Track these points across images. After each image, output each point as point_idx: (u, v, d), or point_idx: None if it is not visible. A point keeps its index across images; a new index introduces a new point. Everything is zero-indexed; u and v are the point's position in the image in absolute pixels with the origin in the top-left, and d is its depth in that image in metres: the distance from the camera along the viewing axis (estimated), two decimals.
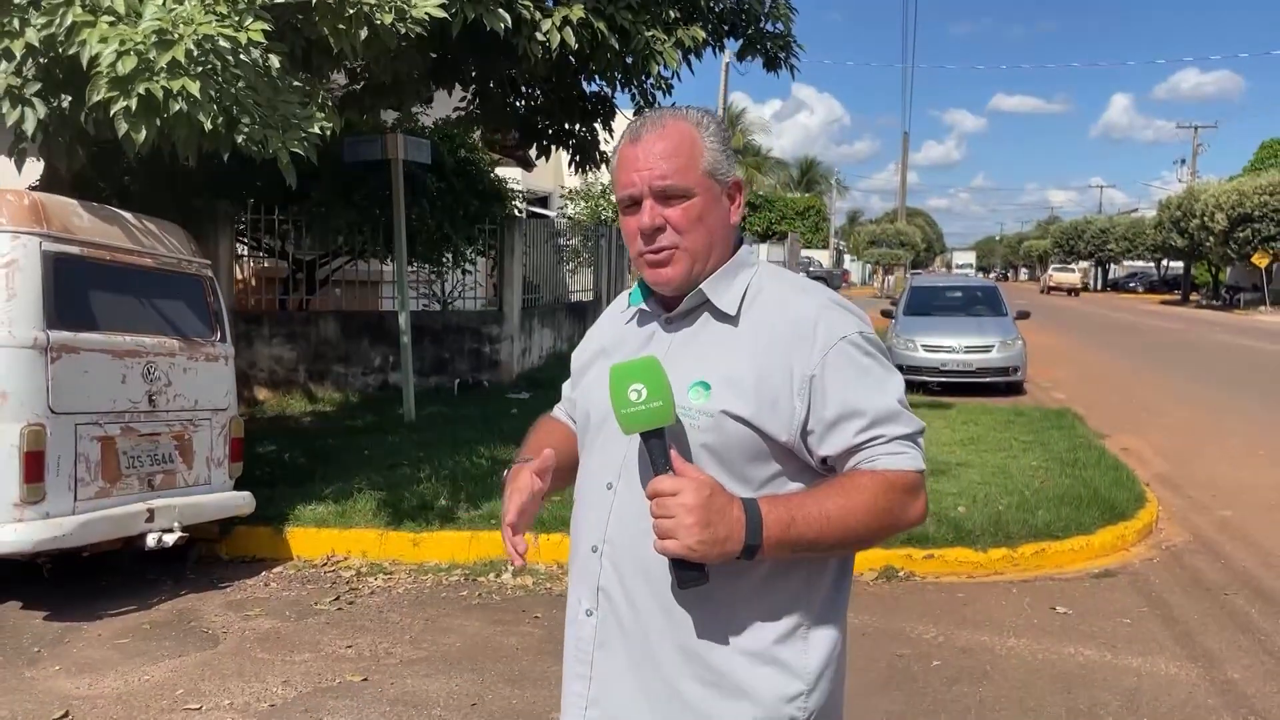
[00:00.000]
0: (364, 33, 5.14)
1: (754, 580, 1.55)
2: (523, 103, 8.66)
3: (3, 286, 4.94)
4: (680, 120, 1.64)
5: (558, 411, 1.96)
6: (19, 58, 4.75)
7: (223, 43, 4.61)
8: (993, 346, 13.18)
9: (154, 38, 4.50)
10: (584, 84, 8.47)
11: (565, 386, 1.91)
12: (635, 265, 1.68)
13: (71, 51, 4.72)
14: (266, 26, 4.73)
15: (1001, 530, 5.85)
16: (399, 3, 5.05)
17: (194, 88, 4.53)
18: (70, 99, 5.37)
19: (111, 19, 4.70)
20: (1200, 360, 18.79)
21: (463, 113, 9.42)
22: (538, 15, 6.11)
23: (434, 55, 6.69)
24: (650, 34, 6.55)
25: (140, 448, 5.54)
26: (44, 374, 5.00)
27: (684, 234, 1.60)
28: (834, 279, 44.15)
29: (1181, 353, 20.40)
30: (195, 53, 4.56)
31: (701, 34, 6.70)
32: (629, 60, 6.62)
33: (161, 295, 5.89)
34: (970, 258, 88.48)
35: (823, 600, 1.61)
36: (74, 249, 5.27)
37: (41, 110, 5.21)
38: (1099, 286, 69.59)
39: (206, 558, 6.38)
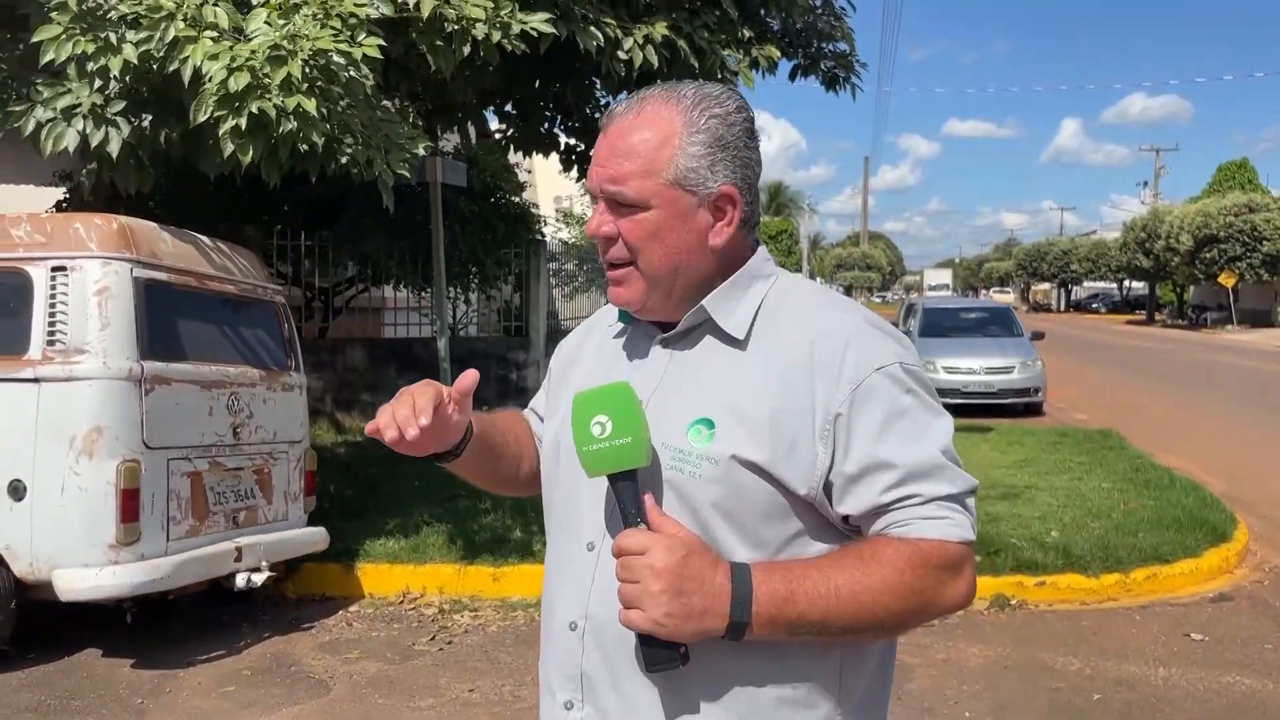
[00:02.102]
0: (466, 49, 4.96)
1: (770, 666, 1.25)
2: (569, 123, 8.51)
3: (95, 315, 4.68)
4: (665, 105, 1.29)
5: (526, 412, 1.64)
6: (116, 75, 4.50)
7: (337, 58, 4.41)
8: (1013, 368, 13.20)
9: (268, 52, 4.29)
10: None
11: (539, 393, 1.60)
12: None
13: (172, 68, 4.50)
14: (381, 42, 4.53)
15: (1111, 555, 5.75)
16: (504, 18, 4.88)
17: (309, 105, 4.33)
18: (150, 118, 5.14)
19: (214, 34, 4.48)
20: (1198, 379, 18.99)
21: (502, 135, 9.26)
22: (619, 34, 5.98)
23: (508, 74, 6.53)
24: (726, 53, 6.44)
25: (225, 483, 5.28)
26: (138, 407, 4.73)
27: (635, 251, 1.30)
28: None
29: (1175, 371, 20.62)
30: (308, 69, 4.36)
31: (776, 52, 6.60)
32: (701, 79, 6.51)
33: (241, 323, 5.65)
34: (946, 277, 76.09)
35: (862, 696, 1.31)
36: (161, 275, 5.01)
37: (125, 130, 4.97)
38: (1061, 307, 70.60)
39: (273, 597, 6.10)
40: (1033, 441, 9.95)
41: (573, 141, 8.79)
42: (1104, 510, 6.77)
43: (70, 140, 4.90)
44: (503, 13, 4.85)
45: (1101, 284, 71.10)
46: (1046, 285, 73.21)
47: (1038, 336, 14.35)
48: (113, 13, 4.49)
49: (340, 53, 4.37)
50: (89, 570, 4.55)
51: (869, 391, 1.24)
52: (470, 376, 1.37)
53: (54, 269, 4.72)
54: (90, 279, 4.70)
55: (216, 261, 5.51)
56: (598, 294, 16.46)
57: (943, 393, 13.04)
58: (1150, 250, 45.83)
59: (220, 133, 4.39)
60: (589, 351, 1.46)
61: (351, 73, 4.46)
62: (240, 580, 5.22)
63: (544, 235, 13.32)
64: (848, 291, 59.62)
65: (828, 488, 1.24)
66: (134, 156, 5.23)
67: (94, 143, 4.88)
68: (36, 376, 4.62)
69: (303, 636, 5.41)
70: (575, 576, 1.33)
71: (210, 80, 4.31)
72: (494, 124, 9.37)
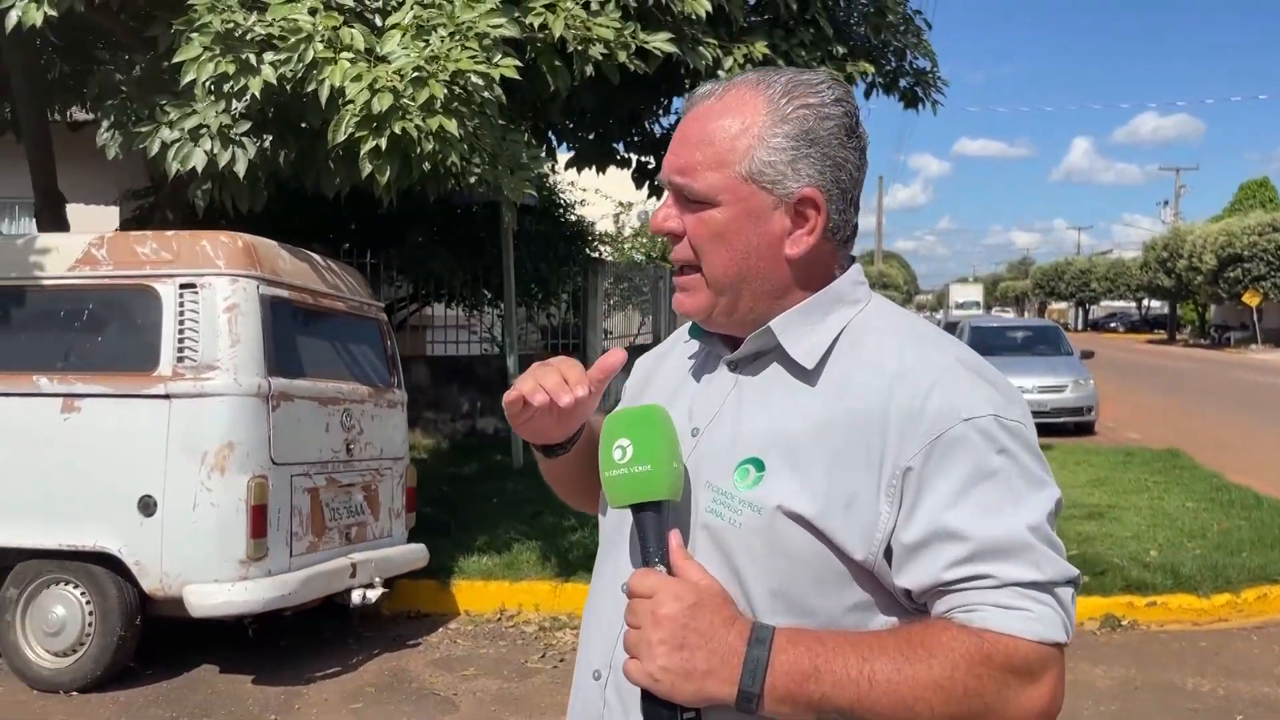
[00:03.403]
0: (589, 69, 5.00)
1: None
2: (640, 139, 8.55)
3: (225, 332, 4.71)
4: (751, 90, 1.14)
5: None
6: (256, 95, 4.55)
7: (475, 79, 4.45)
8: (1066, 386, 13.17)
9: (411, 74, 4.34)
10: None
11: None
12: None
13: (309, 89, 4.55)
14: (517, 63, 4.58)
15: (1220, 575, 5.72)
16: (628, 37, 4.92)
17: (451, 126, 4.37)
18: (270, 139, 5.19)
19: (351, 56, 4.53)
20: (1241, 398, 18.87)
21: (573, 151, 9.31)
22: (719, 53, 6.03)
23: (604, 94, 6.58)
24: (822, 70, 6.47)
25: (339, 499, 5.30)
26: (266, 423, 4.76)
27: (700, 252, 1.14)
28: None
29: (1215, 390, 20.52)
30: (449, 90, 4.41)
31: (870, 67, 6.65)
32: None
33: (350, 340, 5.68)
34: (975, 293, 67.34)
35: None
36: (283, 292, 5.05)
37: (251, 150, 5.02)
38: (1079, 326, 70.42)
39: (369, 613, 6.10)
40: (1099, 460, 9.92)
41: (644, 158, 8.84)
42: (1197, 530, 6.75)
43: (198, 160, 4.95)
44: (626, 32, 4.90)
45: (1119, 303, 70.90)
46: (1063, 304, 73.03)
47: (1087, 355, 14.33)
48: (250, 34, 4.54)
49: (479, 74, 4.41)
50: (220, 586, 4.57)
51: (951, 445, 1.04)
52: (617, 355, 1.22)
53: (182, 286, 4.76)
54: (219, 296, 4.74)
55: (328, 279, 5.55)
56: (635, 311, 16.48)
57: None
58: (1172, 269, 45.70)
59: (361, 153, 4.43)
60: (665, 369, 1.31)
61: (486, 94, 4.50)
62: (356, 597, 5.23)
63: (601, 252, 13.38)
64: None
65: (889, 554, 1.06)
66: (252, 176, 5.28)
67: (221, 163, 4.93)
68: (168, 393, 4.65)
69: (412, 653, 5.41)
70: (607, 620, 1.18)
71: (353, 101, 4.35)
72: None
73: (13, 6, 4.71)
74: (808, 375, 1.13)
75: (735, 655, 1.02)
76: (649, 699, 1.05)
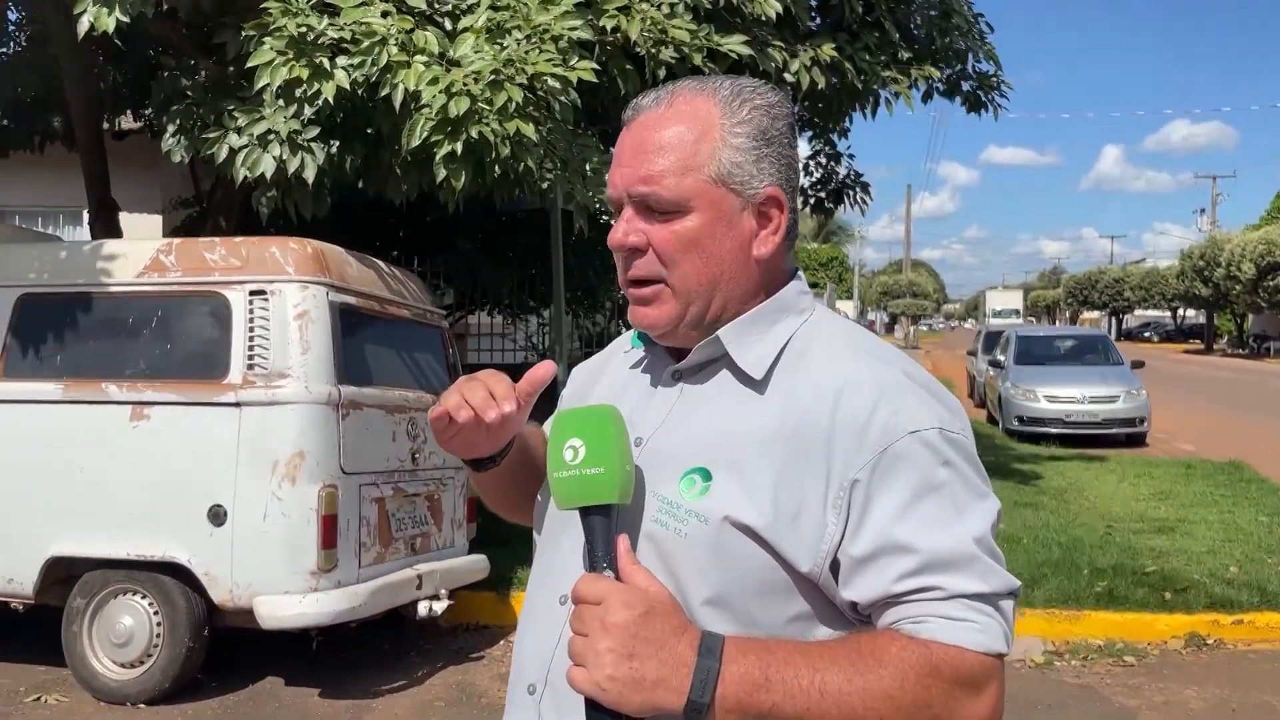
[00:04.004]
0: (661, 73, 4.91)
1: None
2: None
3: (296, 339, 4.65)
4: (698, 95, 1.12)
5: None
6: (330, 100, 4.49)
7: (552, 82, 4.37)
8: (1118, 397, 12.94)
9: (488, 76, 4.26)
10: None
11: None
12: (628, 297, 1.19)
13: (383, 93, 4.49)
14: (594, 65, 4.50)
15: None
16: (702, 40, 4.83)
17: (529, 130, 4.29)
18: (337, 144, 5.14)
19: (425, 60, 4.47)
20: None
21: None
22: (786, 56, 5.92)
23: None
24: (887, 74, 6.36)
25: (404, 509, 5.22)
26: (336, 432, 4.69)
27: (670, 264, 1.11)
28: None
29: (1264, 401, 20.13)
30: (527, 94, 4.33)
31: (935, 72, 6.53)
32: (864, 100, 6.45)
33: (414, 347, 5.62)
34: (1014, 301, 62.70)
35: None
36: (351, 299, 4.99)
37: (320, 156, 4.97)
38: (1114, 336, 69.65)
39: (427, 625, 6.02)
40: (1160, 473, 9.71)
41: None
42: (1274, 545, 6.56)
43: (267, 166, 4.91)
44: (700, 34, 4.81)
45: (1153, 312, 70.10)
46: (1096, 314, 72.31)
47: (1138, 365, 14.07)
48: (322, 38, 4.48)
49: (556, 76, 4.33)
50: (291, 598, 4.49)
51: (897, 458, 1.04)
52: (546, 367, 1.19)
53: (252, 292, 4.70)
54: (290, 303, 4.67)
55: (392, 286, 5.49)
56: None
57: (1044, 422, 12.82)
58: (1209, 278, 45.10)
59: (437, 158, 4.36)
60: (605, 378, 1.29)
61: (563, 97, 4.42)
62: (422, 609, 5.16)
63: None
64: (893, 320, 59.13)
65: (835, 567, 1.05)
66: (318, 182, 5.24)
67: (291, 169, 4.88)
68: (238, 401, 4.59)
69: (477, 667, 5.32)
70: (543, 632, 1.15)
71: (429, 105, 4.28)
72: None
73: (84, 12, 4.68)
74: (755, 385, 1.12)
75: (685, 665, 0.99)
76: (594, 708, 1.01)
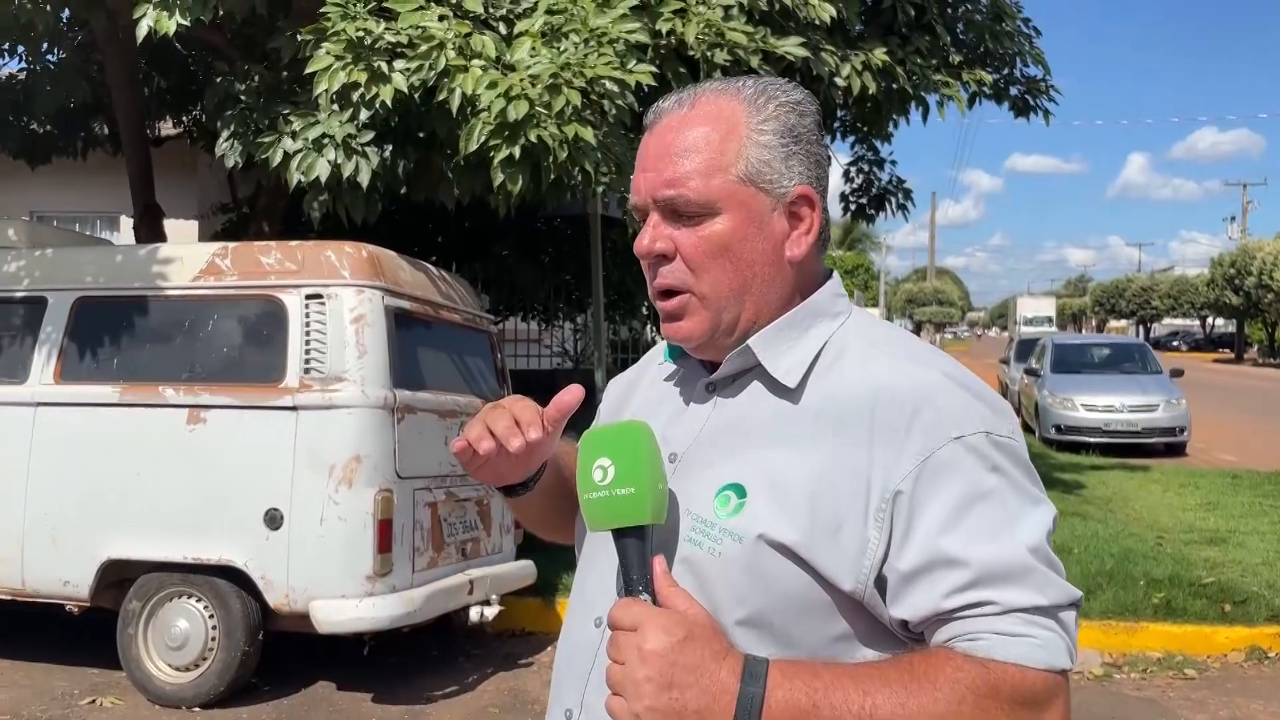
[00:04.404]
0: (716, 75, 4.89)
1: None
2: None
3: (353, 343, 4.65)
4: (722, 96, 1.09)
5: None
6: (388, 104, 4.49)
7: (611, 86, 4.35)
8: (1158, 406, 12.79)
9: (548, 80, 4.25)
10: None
11: None
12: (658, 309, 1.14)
13: (440, 97, 4.48)
14: (652, 69, 4.48)
15: None
16: (759, 42, 4.80)
17: (587, 134, 4.27)
18: (390, 148, 5.14)
19: (483, 63, 4.46)
20: None
21: None
22: (837, 60, 5.88)
23: None
24: (938, 78, 6.31)
25: (455, 514, 5.21)
26: (392, 436, 4.68)
27: (699, 271, 1.07)
28: None
29: None
30: (586, 98, 4.32)
31: (987, 77, 6.47)
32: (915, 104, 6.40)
33: (464, 351, 5.61)
34: (1048, 308, 59.03)
35: None
36: (404, 303, 4.98)
37: (375, 160, 4.97)
38: None
39: (473, 631, 6.00)
40: (1205, 483, 9.58)
41: None
42: None
43: (321, 170, 4.92)
44: (757, 37, 4.78)
45: (1182, 321, 69.38)
46: (1123, 322, 71.68)
47: (1177, 374, 13.90)
48: (380, 42, 4.49)
49: (615, 80, 4.31)
50: (348, 602, 4.48)
51: (942, 466, 0.98)
52: (574, 392, 1.13)
53: (308, 296, 4.71)
54: (346, 307, 4.67)
55: (443, 290, 5.49)
56: None
57: (1082, 431, 12.68)
58: (1240, 287, 44.61)
59: (495, 162, 4.35)
60: (639, 392, 1.25)
61: (620, 101, 4.40)
62: (474, 614, 5.15)
63: None
64: (917, 329, 58.77)
65: (880, 583, 1.00)
66: (371, 186, 5.24)
67: (346, 173, 4.88)
68: (295, 404, 4.59)
69: (527, 673, 5.29)
70: (579, 655, 1.11)
71: (488, 109, 4.27)
72: None
73: (144, 15, 4.71)
74: (789, 394, 1.07)
75: (728, 693, 0.94)
76: None
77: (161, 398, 4.74)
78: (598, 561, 1.12)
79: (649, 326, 12.06)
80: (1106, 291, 70.50)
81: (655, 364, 1.25)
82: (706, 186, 1.05)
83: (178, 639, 4.65)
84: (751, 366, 1.09)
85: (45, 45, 7.37)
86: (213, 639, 4.63)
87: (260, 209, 8.00)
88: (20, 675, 5.01)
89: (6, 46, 8.47)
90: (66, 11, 8.11)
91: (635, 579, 1.01)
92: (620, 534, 1.03)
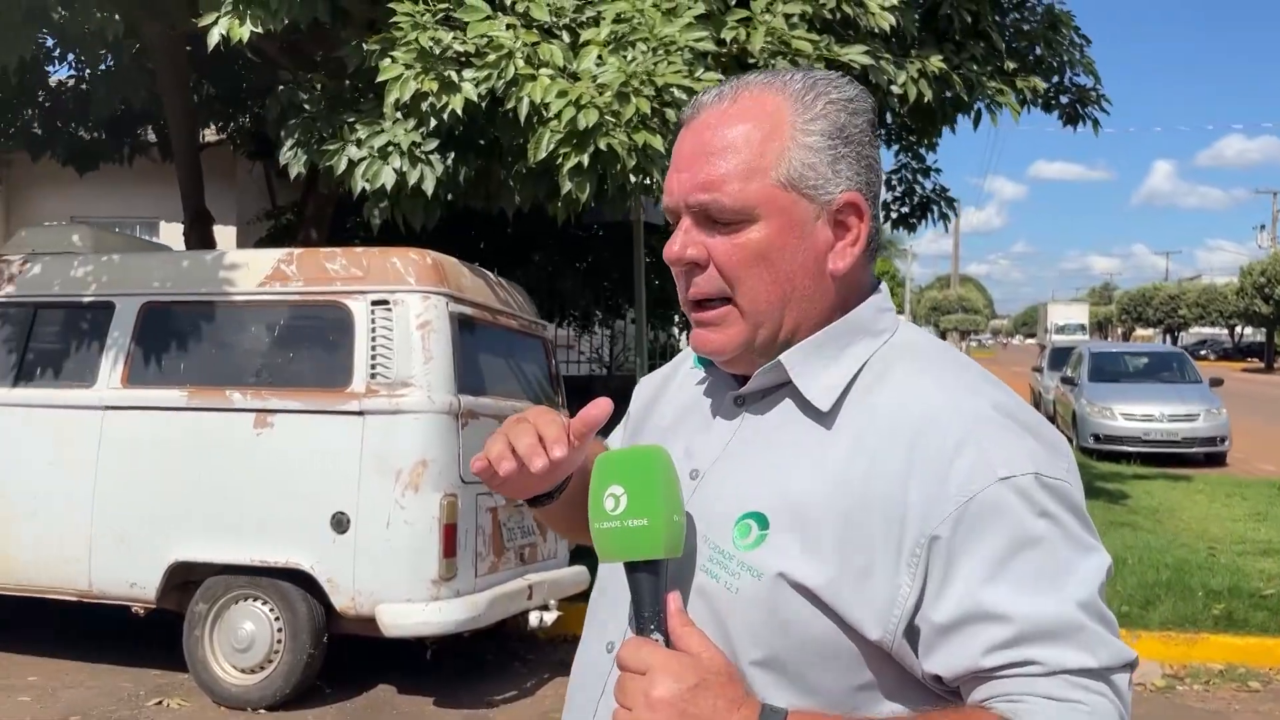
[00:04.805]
0: None
1: None
2: None
3: (419, 349, 4.68)
4: (767, 90, 1.00)
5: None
6: (459, 113, 4.53)
7: (679, 94, 4.38)
8: (1198, 415, 12.68)
9: (617, 88, 4.27)
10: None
11: (618, 430, 1.28)
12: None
13: (509, 105, 4.52)
14: (720, 76, 4.50)
15: None
16: (823, 50, 4.82)
17: (656, 142, 4.30)
18: (453, 155, 5.19)
19: (550, 72, 4.49)
20: None
21: None
22: (892, 68, 5.88)
23: None
24: (992, 85, 6.30)
25: (514, 519, 5.23)
26: (456, 441, 4.71)
27: (735, 281, 0.98)
28: None
29: None
30: (655, 105, 4.34)
31: (1041, 84, 6.45)
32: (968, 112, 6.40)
33: (521, 357, 5.65)
34: (1080, 315, 56.14)
35: None
36: (467, 309, 5.02)
37: (439, 168, 5.02)
38: None
39: (525, 636, 6.02)
40: (1251, 494, 9.50)
41: None
42: None
43: (387, 178, 4.96)
44: (821, 45, 4.80)
45: (1210, 330, 68.74)
46: (1150, 331, 71.09)
47: (1216, 383, 13.78)
48: (449, 51, 4.53)
49: (683, 88, 4.34)
50: (414, 606, 4.51)
51: (985, 509, 0.89)
52: (602, 406, 1.05)
53: (374, 302, 4.75)
54: (412, 313, 4.71)
55: (501, 296, 5.52)
56: None
57: (1121, 440, 12.59)
58: (1270, 296, 44.19)
59: (563, 170, 4.38)
60: (667, 397, 1.17)
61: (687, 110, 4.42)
62: (534, 619, 5.16)
63: None
64: (942, 337, 58.52)
65: (911, 634, 0.91)
66: (433, 193, 5.28)
67: (411, 181, 4.92)
68: (361, 409, 4.63)
69: None
70: (588, 681, 1.05)
71: (557, 117, 4.30)
72: None
73: (215, 23, 4.77)
74: (823, 418, 0.98)
75: None
76: None
77: (229, 402, 4.79)
78: (610, 583, 1.06)
79: (685, 334, 12.08)
80: (1133, 300, 69.95)
81: (686, 366, 1.17)
82: (744, 191, 0.97)
83: (244, 641, 4.70)
84: (783, 383, 1.01)
85: (103, 52, 7.46)
86: (278, 641, 4.67)
87: (309, 215, 8.08)
88: (86, 676, 5.07)
89: (57, 54, 8.63)
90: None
91: (647, 616, 0.94)
92: (632, 567, 0.96)
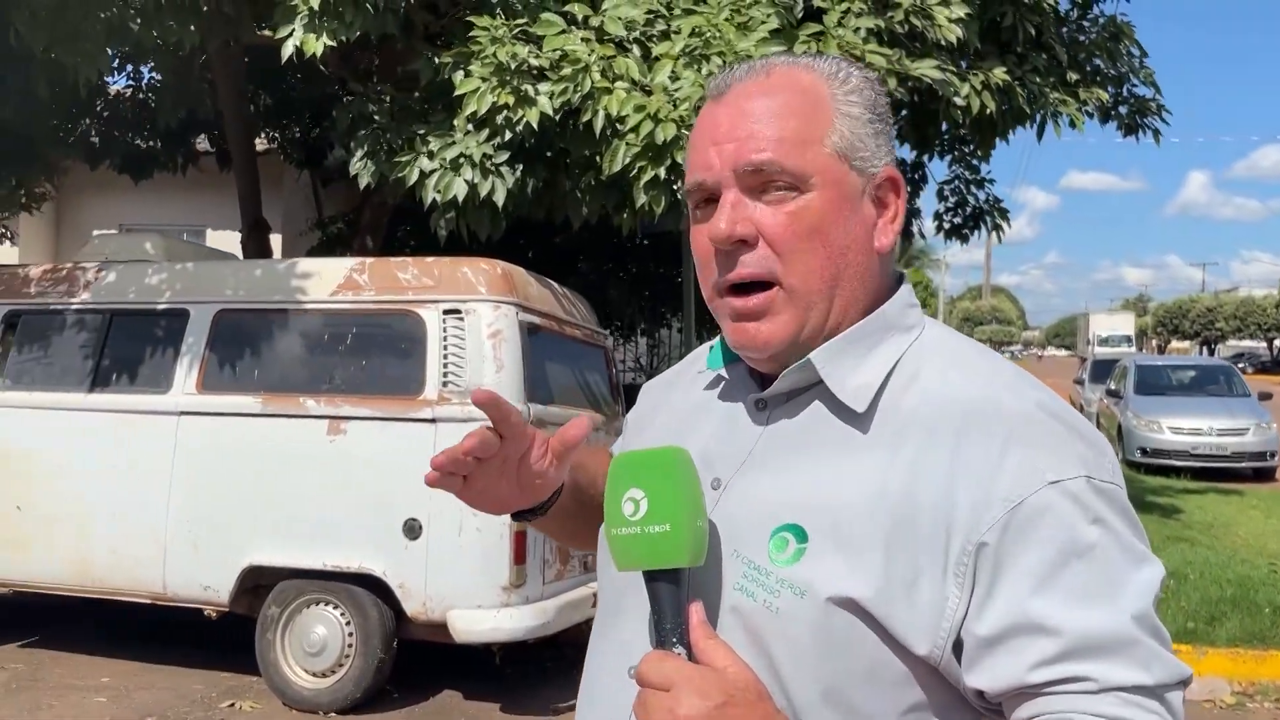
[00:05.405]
0: None
1: None
2: None
3: (490, 357, 4.74)
4: (798, 68, 0.96)
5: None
6: (534, 125, 4.58)
7: None
8: (1248, 429, 12.53)
9: (696, 101, 4.31)
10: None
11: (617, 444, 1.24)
12: (713, 310, 0.99)
13: (585, 119, 4.57)
14: None
15: None
16: (894, 64, 4.84)
17: None
18: (522, 167, 5.24)
19: (626, 85, 4.54)
20: None
21: None
22: (956, 80, 5.88)
23: None
24: (1055, 96, 6.29)
25: None
26: None
27: (788, 256, 0.91)
28: None
29: None
30: None
31: (1105, 95, 6.44)
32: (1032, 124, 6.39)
33: (584, 366, 5.69)
34: (1126, 325, 52.59)
35: None
36: (535, 318, 5.07)
37: (510, 180, 5.07)
38: None
39: (582, 645, 6.05)
40: None
41: None
42: None
43: (459, 189, 5.03)
44: (893, 59, 4.81)
45: (1248, 343, 67.85)
46: (1186, 343, 70.26)
47: (1265, 396, 13.60)
48: (525, 65, 4.58)
49: None
50: (485, 612, 4.56)
51: (1035, 514, 0.84)
52: (580, 426, 1.01)
53: (446, 311, 4.80)
54: (484, 322, 4.77)
55: (565, 306, 5.57)
56: None
57: (1169, 454, 12.46)
58: None
59: (640, 183, 4.42)
60: (674, 400, 1.10)
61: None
62: None
63: None
64: None
65: (957, 647, 0.86)
66: (506, 204, 5.33)
67: (483, 193, 4.98)
68: (434, 417, 4.68)
69: None
70: (606, 710, 0.99)
71: (635, 130, 4.34)
72: None
73: (290, 35, 4.85)
74: (858, 420, 0.92)
75: None
76: None
77: (303, 408, 4.86)
78: (627, 598, 0.98)
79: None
80: (1169, 312, 69.19)
81: (695, 370, 1.10)
82: (802, 155, 0.91)
83: (315, 645, 4.76)
84: (812, 384, 0.95)
85: (169, 62, 7.59)
86: (349, 645, 4.73)
87: (364, 224, 8.18)
88: (157, 678, 5.15)
89: (115, 64, 8.79)
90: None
91: (669, 629, 0.88)
92: (652, 576, 0.90)
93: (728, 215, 0.92)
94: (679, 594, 0.88)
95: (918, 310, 0.99)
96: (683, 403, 1.07)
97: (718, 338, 1.05)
